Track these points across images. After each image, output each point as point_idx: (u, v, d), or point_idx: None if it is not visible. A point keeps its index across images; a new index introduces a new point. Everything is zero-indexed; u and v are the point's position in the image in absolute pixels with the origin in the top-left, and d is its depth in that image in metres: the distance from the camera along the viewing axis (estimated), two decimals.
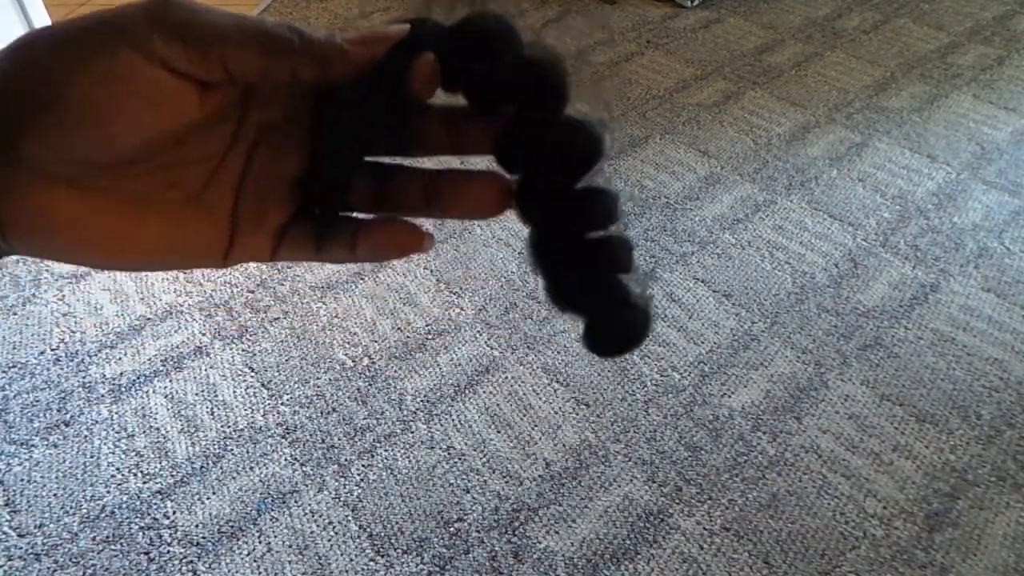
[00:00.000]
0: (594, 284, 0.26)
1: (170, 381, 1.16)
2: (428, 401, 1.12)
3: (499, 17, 0.24)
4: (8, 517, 0.99)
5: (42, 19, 1.54)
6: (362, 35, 0.24)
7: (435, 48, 0.24)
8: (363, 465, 1.03)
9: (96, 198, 0.23)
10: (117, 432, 1.09)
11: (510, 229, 1.42)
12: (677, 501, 0.98)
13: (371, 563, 0.93)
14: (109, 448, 1.07)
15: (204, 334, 1.24)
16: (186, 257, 0.26)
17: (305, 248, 0.28)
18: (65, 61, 0.21)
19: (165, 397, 1.14)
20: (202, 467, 1.04)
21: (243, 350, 1.21)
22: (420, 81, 0.24)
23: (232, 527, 0.97)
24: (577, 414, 1.09)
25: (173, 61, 0.22)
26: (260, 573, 0.92)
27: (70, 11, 2.46)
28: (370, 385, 1.14)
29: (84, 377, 1.17)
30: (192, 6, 0.22)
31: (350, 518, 0.98)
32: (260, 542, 0.96)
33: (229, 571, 0.93)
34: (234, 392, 1.14)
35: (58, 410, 1.12)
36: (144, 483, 1.03)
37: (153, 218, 0.25)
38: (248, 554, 0.94)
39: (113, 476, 1.03)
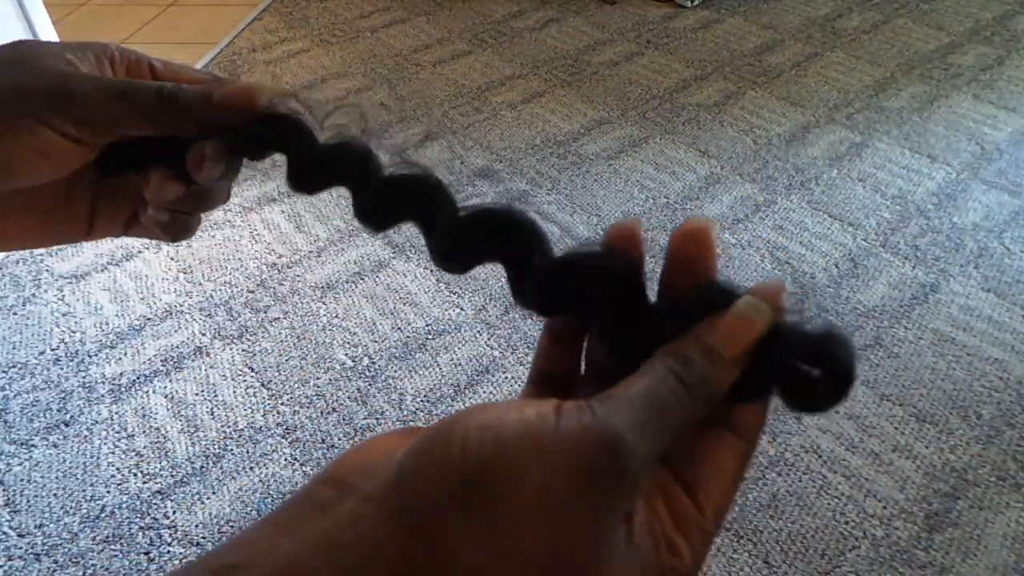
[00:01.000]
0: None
1: (170, 381, 1.16)
2: (428, 401, 1.12)
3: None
4: (8, 517, 0.99)
5: (42, 18, 1.54)
6: (232, 89, 0.30)
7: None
8: None
9: None
10: (117, 432, 1.09)
11: None
12: None
13: None
14: (109, 448, 1.07)
15: (204, 334, 1.24)
16: (56, 240, 0.34)
17: (145, 230, 0.36)
18: None
19: (165, 397, 1.14)
20: (202, 467, 1.04)
21: (243, 350, 1.21)
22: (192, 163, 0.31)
23: (232, 527, 0.97)
24: None
25: (69, 133, 0.28)
26: None
27: (70, 11, 2.46)
28: (370, 385, 1.14)
29: (84, 377, 1.17)
30: (80, 83, 0.28)
31: None
32: None
33: None
34: (234, 392, 1.14)
35: (58, 410, 1.12)
36: (144, 483, 1.03)
37: (31, 217, 0.32)
38: None
39: (113, 476, 1.03)
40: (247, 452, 1.06)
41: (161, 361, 1.19)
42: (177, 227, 0.35)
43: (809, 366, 0.24)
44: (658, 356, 0.23)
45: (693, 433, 0.24)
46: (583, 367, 0.30)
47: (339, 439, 1.07)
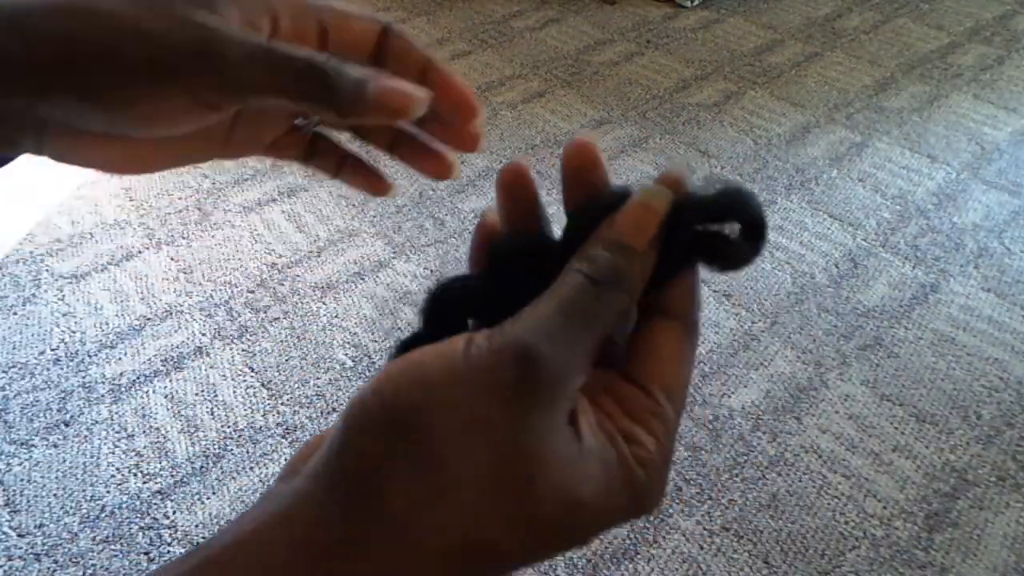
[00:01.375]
0: None
1: (170, 381, 1.16)
2: None
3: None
4: (8, 517, 0.99)
5: None
6: (390, 89, 0.25)
7: None
8: None
9: (123, 146, 0.28)
10: (117, 432, 1.09)
11: None
12: (677, 501, 0.98)
13: None
14: (109, 448, 1.07)
15: (204, 334, 1.24)
16: (189, 163, 0.33)
17: (293, 155, 0.34)
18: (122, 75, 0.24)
19: (165, 397, 1.14)
20: (202, 467, 1.04)
21: (243, 350, 1.21)
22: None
23: None
24: None
25: (208, 100, 0.26)
26: None
27: None
28: None
29: (84, 377, 1.17)
30: (225, 45, 0.24)
31: None
32: None
33: None
34: (234, 392, 1.14)
35: (58, 410, 1.12)
36: (144, 483, 1.03)
37: (167, 151, 0.30)
38: None
39: (113, 476, 1.03)
40: (247, 452, 1.06)
41: (161, 361, 1.19)
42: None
43: (720, 225, 0.24)
44: (567, 267, 0.23)
45: (634, 332, 0.24)
46: None
47: None
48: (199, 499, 1.00)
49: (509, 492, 0.19)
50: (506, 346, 0.20)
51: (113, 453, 1.06)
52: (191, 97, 0.25)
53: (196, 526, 0.97)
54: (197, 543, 0.94)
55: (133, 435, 1.09)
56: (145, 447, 1.07)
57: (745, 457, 1.02)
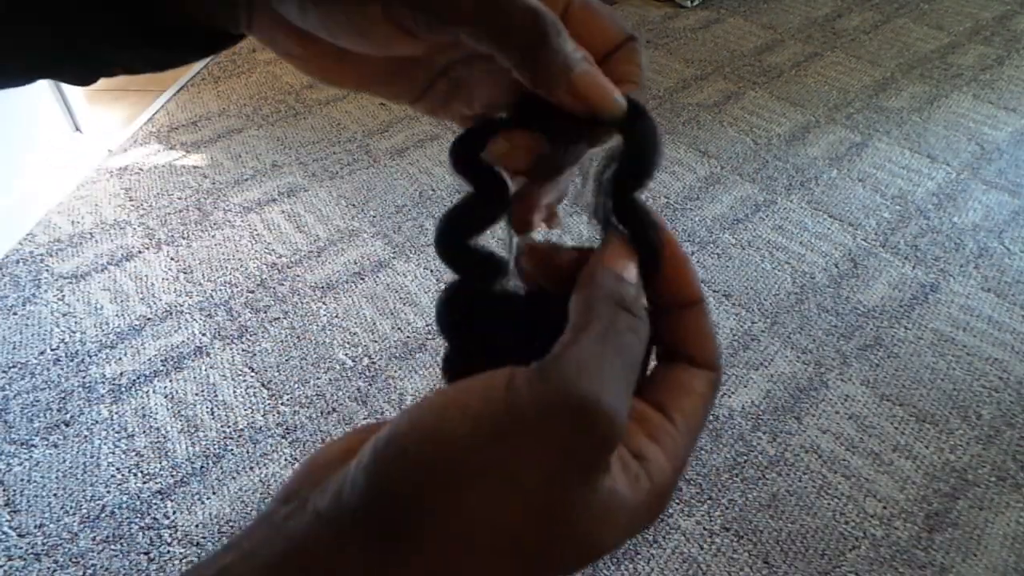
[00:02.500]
0: None
1: (170, 381, 1.16)
2: None
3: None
4: (8, 517, 0.99)
5: None
6: (599, 82, 0.23)
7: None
8: None
9: (319, 49, 0.26)
10: (117, 432, 1.09)
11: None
12: (677, 501, 0.98)
13: None
14: (109, 448, 1.07)
15: (204, 334, 1.24)
16: (378, 94, 0.29)
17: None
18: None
19: (165, 397, 1.14)
20: (202, 467, 1.04)
21: (243, 350, 1.21)
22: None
23: (232, 527, 0.97)
24: None
25: (403, 20, 0.23)
26: None
27: None
28: (370, 385, 1.14)
29: (84, 377, 1.17)
30: None
31: None
32: None
33: None
34: (234, 392, 1.14)
35: (58, 410, 1.12)
36: (144, 483, 1.03)
37: (360, 70, 0.27)
38: None
39: (113, 476, 1.03)
40: (247, 452, 1.06)
41: (161, 361, 1.19)
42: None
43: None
44: (588, 287, 0.21)
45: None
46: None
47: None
48: (199, 499, 1.00)
49: (539, 554, 0.18)
50: (555, 396, 0.18)
51: (113, 453, 1.06)
52: (387, 15, 0.23)
53: (196, 526, 0.97)
54: (197, 543, 0.94)
55: (133, 435, 1.08)
56: (145, 447, 1.07)
57: (745, 457, 1.02)
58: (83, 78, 0.28)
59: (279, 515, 0.20)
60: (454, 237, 0.26)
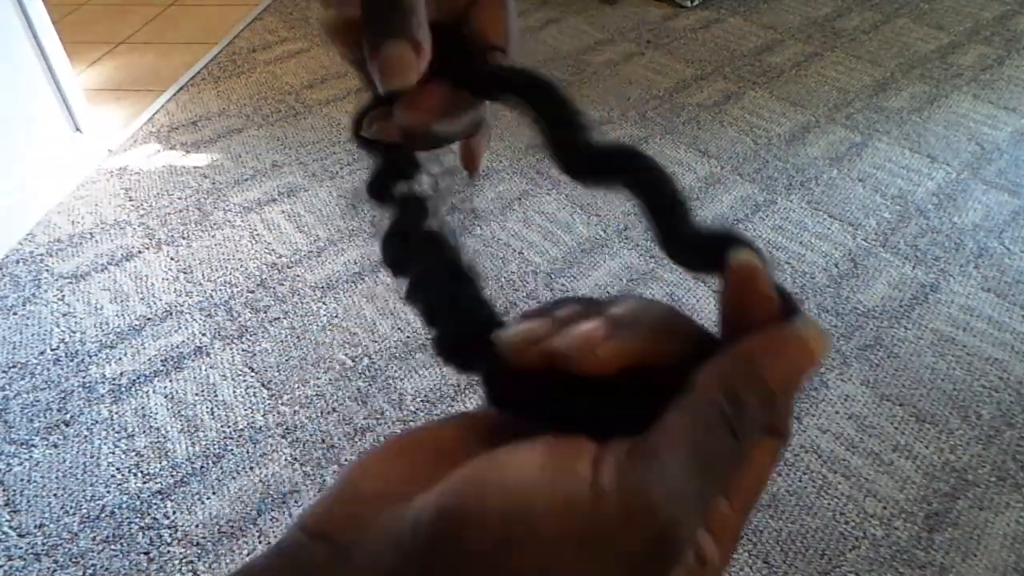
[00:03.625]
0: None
1: (170, 381, 1.16)
2: (428, 401, 1.11)
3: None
4: (8, 517, 0.99)
5: (42, 18, 1.54)
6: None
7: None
8: None
9: None
10: (117, 432, 1.09)
11: (510, 229, 1.42)
12: None
13: None
14: (109, 448, 1.07)
15: (204, 334, 1.24)
16: None
17: None
18: None
19: (165, 397, 1.14)
20: (202, 467, 1.04)
21: (243, 350, 1.21)
22: None
23: (232, 527, 0.97)
24: None
25: None
26: None
27: (70, 11, 2.46)
28: (370, 385, 1.14)
29: (84, 377, 1.17)
30: None
31: None
32: (260, 542, 0.96)
33: (229, 571, 0.93)
34: (234, 392, 1.14)
35: (58, 410, 1.12)
36: (144, 483, 1.03)
37: None
38: (248, 554, 0.94)
39: (113, 476, 1.03)
40: (247, 452, 1.06)
41: (161, 361, 1.19)
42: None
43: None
44: (702, 388, 0.19)
45: None
46: None
47: (339, 439, 1.07)
48: (199, 499, 1.00)
49: None
50: (637, 504, 0.17)
51: (113, 453, 1.06)
52: None
53: (196, 526, 0.97)
54: (197, 543, 0.94)
55: (133, 435, 1.09)
56: (145, 447, 1.07)
57: None
58: None
59: (308, 555, 0.19)
60: (375, 188, 0.28)
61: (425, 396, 1.12)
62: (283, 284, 1.33)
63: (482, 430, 0.22)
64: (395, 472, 0.20)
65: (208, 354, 1.20)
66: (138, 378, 1.17)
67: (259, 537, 0.96)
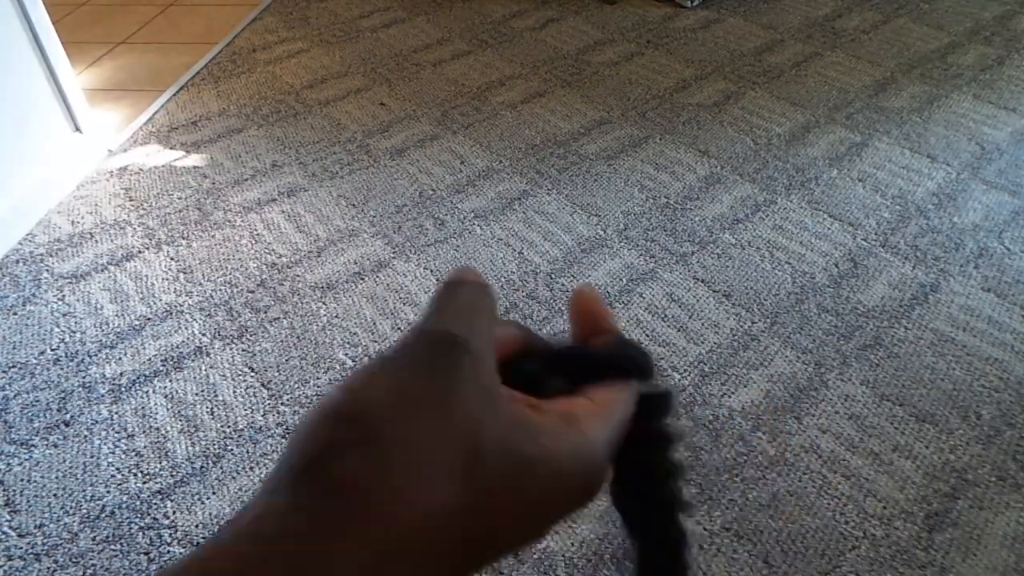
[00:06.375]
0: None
1: (170, 381, 1.16)
2: None
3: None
4: (8, 517, 0.99)
5: (42, 18, 1.54)
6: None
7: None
8: None
9: None
10: (117, 432, 1.09)
11: (510, 229, 1.42)
12: None
13: None
14: (109, 448, 1.07)
15: (204, 334, 1.24)
16: None
17: None
18: None
19: (165, 397, 1.14)
20: (202, 467, 1.04)
21: (243, 350, 1.21)
22: None
23: None
24: None
25: None
26: None
27: (70, 11, 2.46)
28: None
29: (84, 377, 1.17)
30: None
31: None
32: None
33: None
34: (234, 392, 1.14)
35: (58, 410, 1.12)
36: (144, 483, 1.03)
37: None
38: None
39: (113, 476, 1.03)
40: (247, 452, 1.06)
41: (161, 361, 1.19)
42: None
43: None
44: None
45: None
46: None
47: None
48: (199, 499, 1.00)
49: (451, 451, 0.21)
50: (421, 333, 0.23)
51: (113, 453, 1.06)
52: None
53: (196, 526, 0.97)
54: (197, 543, 0.94)
55: (133, 435, 1.08)
56: (145, 447, 1.07)
57: (745, 457, 1.02)
58: None
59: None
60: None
61: None
62: (283, 284, 1.33)
63: None
64: None
65: (208, 354, 1.20)
66: (138, 378, 1.17)
67: None
